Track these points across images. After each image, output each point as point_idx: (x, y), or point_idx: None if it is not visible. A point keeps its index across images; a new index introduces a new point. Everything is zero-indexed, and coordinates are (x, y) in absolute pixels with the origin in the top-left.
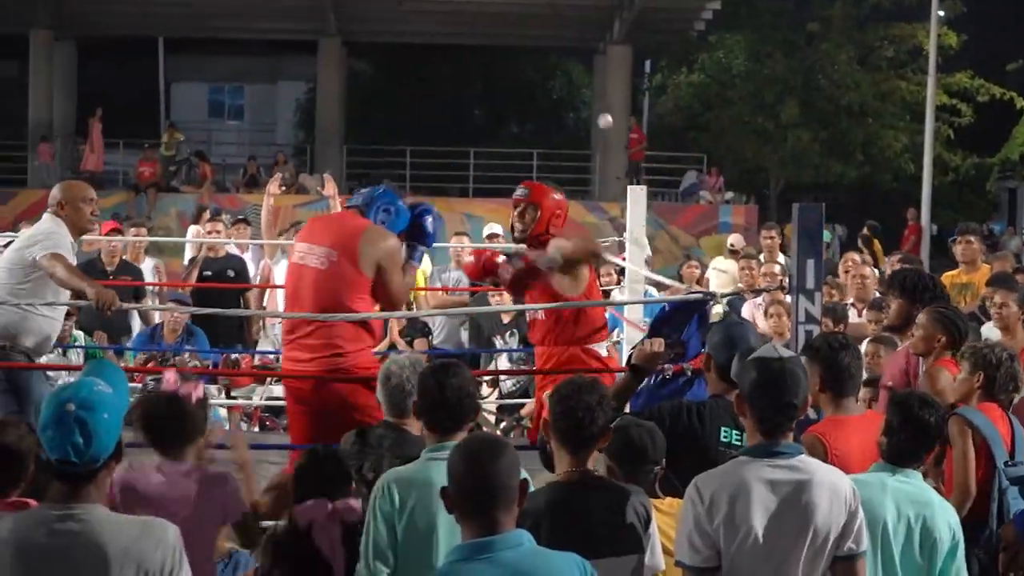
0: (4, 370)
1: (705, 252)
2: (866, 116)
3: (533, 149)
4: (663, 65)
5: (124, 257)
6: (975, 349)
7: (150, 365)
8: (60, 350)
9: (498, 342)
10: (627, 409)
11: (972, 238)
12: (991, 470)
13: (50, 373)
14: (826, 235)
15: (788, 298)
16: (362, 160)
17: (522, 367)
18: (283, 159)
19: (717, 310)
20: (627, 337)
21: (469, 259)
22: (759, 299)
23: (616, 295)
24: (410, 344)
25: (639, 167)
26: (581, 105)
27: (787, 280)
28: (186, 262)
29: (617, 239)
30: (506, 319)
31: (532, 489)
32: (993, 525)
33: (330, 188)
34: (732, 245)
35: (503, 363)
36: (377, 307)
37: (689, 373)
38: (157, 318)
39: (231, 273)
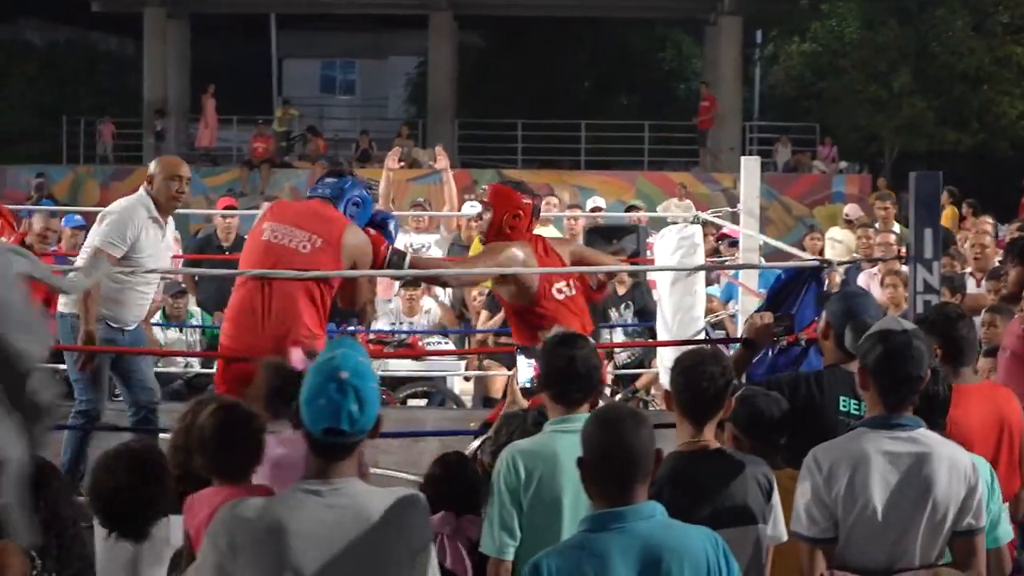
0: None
1: (819, 222)
2: (981, 83)
3: (644, 121)
4: (774, 35)
5: (240, 233)
6: None
7: None
8: (177, 328)
9: (613, 315)
10: (743, 381)
11: None
12: None
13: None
14: None
15: (904, 268)
16: (473, 134)
17: (637, 340)
18: (406, 132)
19: (834, 280)
20: (743, 307)
21: None
22: (875, 269)
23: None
24: None
25: (707, 135)
26: (691, 76)
27: (904, 250)
28: None
29: (730, 210)
30: (621, 291)
31: None
32: None
33: (442, 161)
34: (847, 215)
35: (618, 336)
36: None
37: (803, 343)
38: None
39: None
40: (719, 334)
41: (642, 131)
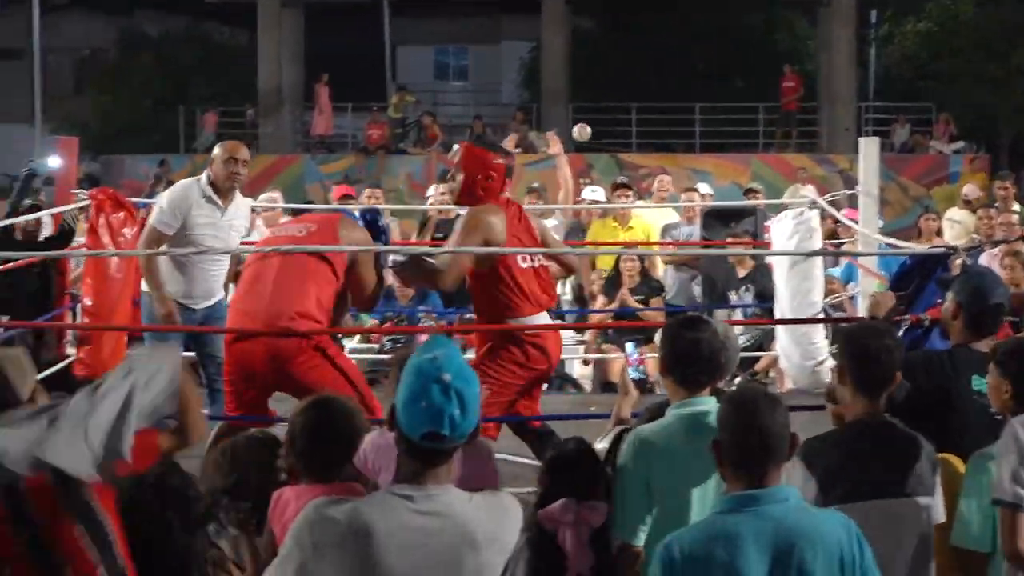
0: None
1: (936, 203)
2: None
3: (759, 103)
4: (889, 15)
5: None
6: None
7: (387, 326)
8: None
9: (732, 297)
10: None
11: None
12: None
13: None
14: None
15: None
16: (588, 118)
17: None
18: (522, 117)
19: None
20: (863, 288)
21: None
22: (996, 249)
23: (849, 248)
24: (644, 303)
25: (791, 116)
26: (806, 58)
27: None
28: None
29: (848, 192)
30: (742, 273)
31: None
32: None
33: (556, 147)
34: (967, 196)
35: (737, 318)
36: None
37: (927, 323)
38: (389, 279)
39: None
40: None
41: (756, 113)
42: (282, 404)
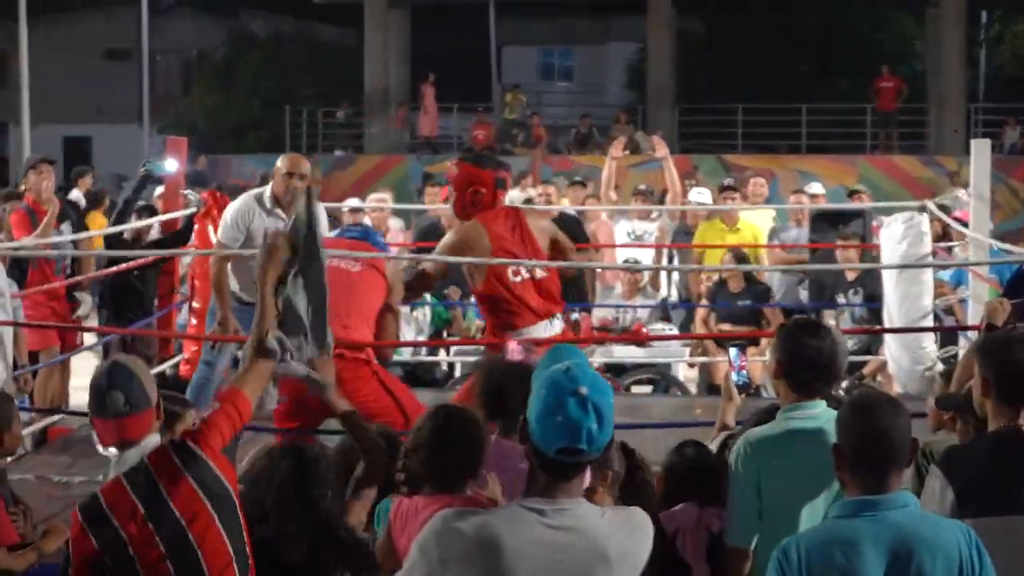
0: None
1: None
2: None
3: (865, 104)
4: (999, 15)
5: None
6: None
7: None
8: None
9: (841, 300)
10: None
11: None
12: None
13: None
14: None
15: None
16: (693, 119)
17: (865, 326)
18: (625, 119)
19: None
20: (973, 292)
21: None
22: None
23: (958, 252)
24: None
25: (891, 117)
26: (914, 58)
27: None
28: None
29: (959, 195)
30: (851, 276)
31: None
32: None
33: (661, 150)
34: None
35: (845, 322)
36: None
37: None
38: None
39: None
40: (949, 320)
41: (863, 114)
42: None
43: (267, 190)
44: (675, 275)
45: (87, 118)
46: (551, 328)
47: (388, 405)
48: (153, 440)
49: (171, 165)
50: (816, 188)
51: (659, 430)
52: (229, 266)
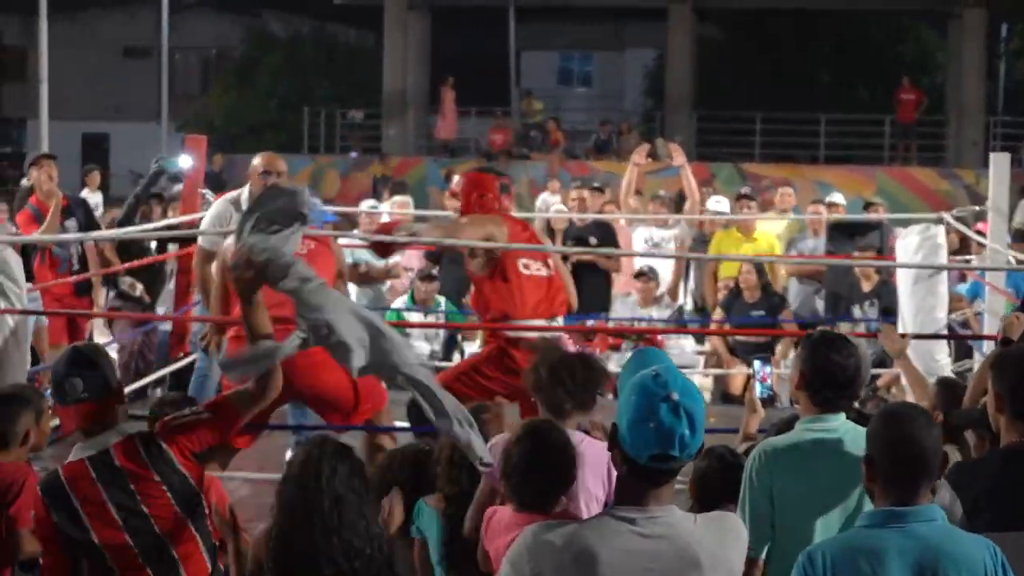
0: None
1: None
2: None
3: (885, 115)
4: (1020, 28)
5: None
6: None
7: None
8: (423, 314)
9: (856, 312)
10: None
11: None
12: None
13: None
14: None
15: None
16: (711, 127)
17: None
18: (627, 128)
19: None
20: (989, 306)
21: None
22: None
23: (976, 264)
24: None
25: (909, 129)
26: (934, 70)
27: None
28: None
29: (977, 208)
30: (866, 288)
31: None
32: None
33: (679, 157)
34: None
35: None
36: None
37: None
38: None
39: (593, 241)
40: (965, 333)
41: (882, 125)
42: None
43: (244, 191)
44: (691, 284)
45: (105, 115)
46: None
47: (340, 379)
48: (116, 432)
49: (184, 162)
50: (837, 198)
51: None
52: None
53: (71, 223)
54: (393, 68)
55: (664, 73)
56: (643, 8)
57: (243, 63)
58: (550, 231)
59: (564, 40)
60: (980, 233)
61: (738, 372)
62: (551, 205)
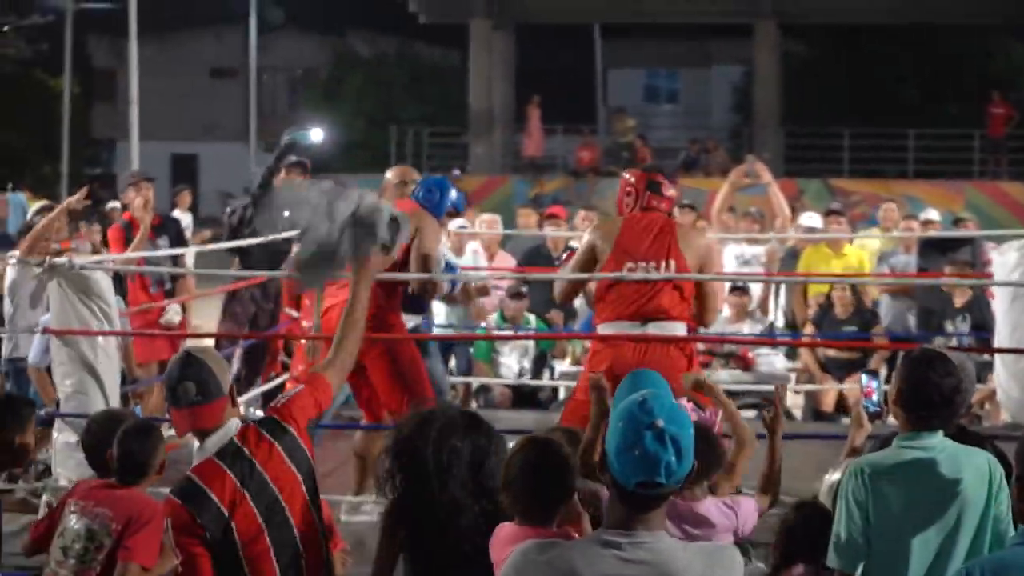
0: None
1: None
2: None
3: (974, 130)
4: None
5: (571, 243)
6: None
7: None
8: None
9: (949, 327)
10: None
11: None
12: None
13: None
14: None
15: None
16: (799, 143)
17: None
18: (714, 145)
19: None
20: None
21: None
22: None
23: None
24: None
25: (999, 143)
26: (1021, 84)
27: None
28: None
29: None
30: (959, 303)
31: None
32: None
33: (765, 175)
34: None
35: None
36: None
37: None
38: None
39: None
40: None
41: (971, 140)
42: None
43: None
44: (782, 300)
45: (194, 136)
46: (635, 330)
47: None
48: (233, 425)
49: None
50: (932, 215)
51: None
52: None
53: (162, 241)
54: (478, 86)
55: (751, 89)
56: (729, 25)
57: (329, 82)
58: None
59: (650, 57)
60: None
61: (827, 388)
62: None
